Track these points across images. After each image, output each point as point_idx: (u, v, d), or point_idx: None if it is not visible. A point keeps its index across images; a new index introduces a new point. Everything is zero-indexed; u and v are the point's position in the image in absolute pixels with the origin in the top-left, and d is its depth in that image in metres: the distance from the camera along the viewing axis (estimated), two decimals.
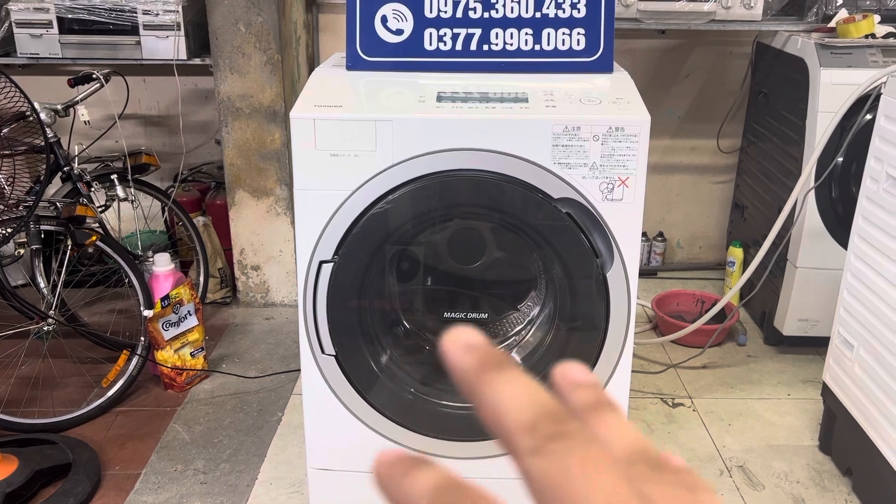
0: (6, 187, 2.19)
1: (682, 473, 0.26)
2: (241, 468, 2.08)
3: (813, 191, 2.35)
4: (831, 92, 2.29)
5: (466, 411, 1.65)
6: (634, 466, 0.25)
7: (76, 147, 2.52)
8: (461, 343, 0.27)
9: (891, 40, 2.38)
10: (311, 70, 3.02)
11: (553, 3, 1.60)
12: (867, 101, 2.15)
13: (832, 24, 2.49)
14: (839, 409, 2.01)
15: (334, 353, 1.59)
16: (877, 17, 2.40)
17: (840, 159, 2.30)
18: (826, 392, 2.09)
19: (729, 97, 3.10)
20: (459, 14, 1.60)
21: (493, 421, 0.26)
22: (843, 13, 2.52)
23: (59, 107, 2.42)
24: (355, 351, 1.60)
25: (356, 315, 1.57)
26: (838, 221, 2.39)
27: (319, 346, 1.59)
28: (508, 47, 1.62)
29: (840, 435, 2.06)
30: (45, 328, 2.28)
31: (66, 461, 2.03)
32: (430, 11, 1.61)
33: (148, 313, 2.34)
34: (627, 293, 1.54)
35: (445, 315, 1.72)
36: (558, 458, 0.24)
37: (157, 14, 2.66)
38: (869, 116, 2.15)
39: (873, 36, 2.38)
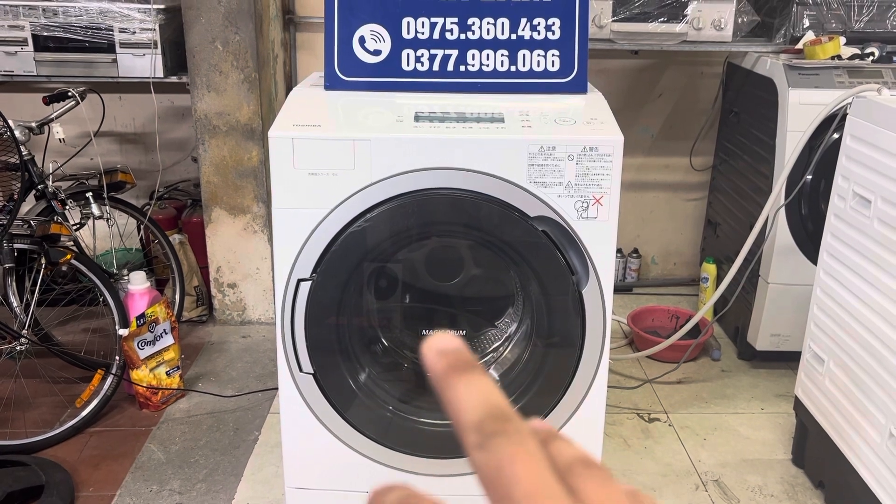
0: None
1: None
2: (217, 488, 2.06)
3: (783, 208, 2.40)
4: (800, 111, 2.35)
5: (444, 428, 1.65)
6: (571, 468, 0.28)
7: (51, 165, 2.50)
8: (436, 348, 0.31)
9: (856, 62, 2.45)
10: (288, 88, 3.03)
11: (528, 25, 1.63)
12: (834, 121, 2.21)
13: (800, 45, 2.56)
14: (811, 422, 2.04)
15: (312, 372, 1.60)
16: (842, 40, 2.47)
17: (809, 177, 2.35)
18: (798, 406, 2.12)
19: (701, 116, 3.16)
20: (436, 35, 1.63)
21: (453, 418, 0.29)
22: (810, 35, 2.59)
23: (33, 124, 2.40)
24: (333, 369, 1.60)
25: (334, 333, 1.58)
26: (808, 238, 2.44)
27: (297, 365, 1.59)
28: (485, 68, 1.64)
29: (812, 448, 2.09)
30: (18, 348, 2.25)
31: (39, 483, 2.00)
32: (408, 33, 1.63)
33: (123, 332, 2.32)
34: (603, 310, 1.56)
35: (423, 332, 1.73)
36: (495, 452, 0.27)
37: (134, 32, 2.66)
38: (836, 136, 2.21)
39: (839, 57, 2.44)
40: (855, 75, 2.40)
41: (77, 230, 2.53)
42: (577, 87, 1.66)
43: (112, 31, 2.66)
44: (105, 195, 2.60)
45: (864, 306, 1.78)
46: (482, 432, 0.28)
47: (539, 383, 1.62)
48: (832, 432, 1.93)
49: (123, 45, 2.67)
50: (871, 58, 2.48)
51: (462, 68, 1.64)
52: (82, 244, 2.55)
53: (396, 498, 0.28)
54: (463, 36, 1.63)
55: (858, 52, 2.51)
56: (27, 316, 2.29)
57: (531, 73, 1.65)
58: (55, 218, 2.41)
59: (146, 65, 2.69)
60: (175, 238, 2.94)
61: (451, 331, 1.71)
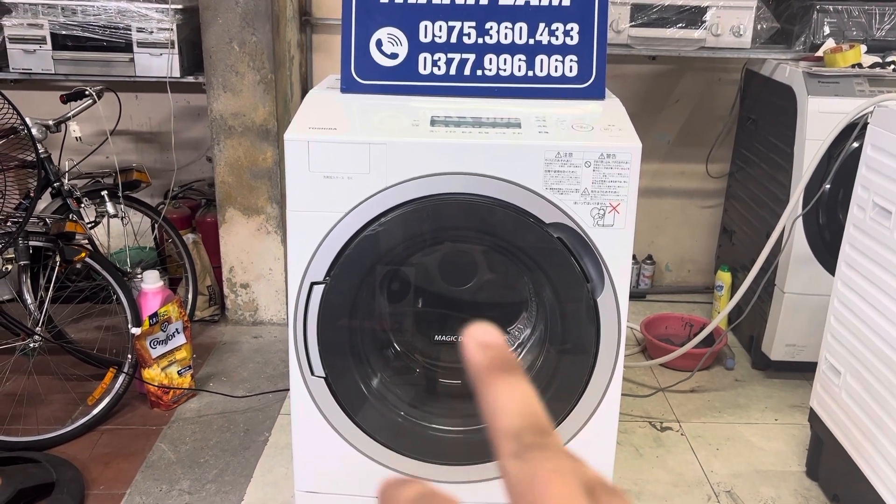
0: None
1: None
2: (227, 489, 2.06)
3: (801, 217, 2.37)
4: (819, 120, 2.32)
5: (455, 435, 1.64)
6: (594, 492, 0.28)
7: (67, 163, 2.51)
8: (477, 340, 0.29)
9: (877, 70, 2.42)
10: (304, 89, 3.03)
11: (546, 30, 1.62)
12: (854, 130, 2.18)
13: (819, 53, 2.53)
14: (826, 435, 2.02)
15: (324, 375, 1.59)
16: (863, 48, 2.44)
17: (827, 186, 2.32)
18: (813, 418, 2.10)
19: (718, 123, 3.14)
20: (454, 39, 1.62)
21: (489, 420, 0.28)
22: (830, 43, 2.56)
23: (50, 122, 2.41)
24: (345, 373, 1.59)
25: (346, 337, 1.57)
26: (826, 248, 2.41)
27: (309, 368, 1.59)
28: (502, 73, 1.63)
29: (827, 461, 2.06)
30: (32, 344, 2.26)
31: (50, 480, 2.00)
32: (425, 36, 1.62)
33: (136, 331, 2.33)
34: (618, 318, 1.55)
35: (436, 337, 1.72)
36: (532, 466, 0.27)
37: (152, 32, 2.67)
38: (856, 145, 2.18)
39: (860, 66, 2.42)
40: (876, 84, 2.37)
41: (92, 228, 2.54)
42: (595, 93, 1.65)
43: (130, 30, 2.67)
44: (120, 194, 2.60)
45: (882, 318, 1.76)
46: (520, 442, 0.27)
47: (552, 390, 1.61)
48: (848, 445, 1.90)
49: (141, 44, 2.68)
50: (893, 66, 2.45)
51: (479, 73, 1.63)
52: (97, 242, 2.56)
53: (412, 496, 0.27)
54: (480, 40, 1.62)
55: (880, 60, 2.48)
56: (41, 313, 2.30)
57: (549, 79, 1.63)
58: (70, 216, 2.42)
59: (163, 64, 2.70)
60: (189, 237, 2.94)
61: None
